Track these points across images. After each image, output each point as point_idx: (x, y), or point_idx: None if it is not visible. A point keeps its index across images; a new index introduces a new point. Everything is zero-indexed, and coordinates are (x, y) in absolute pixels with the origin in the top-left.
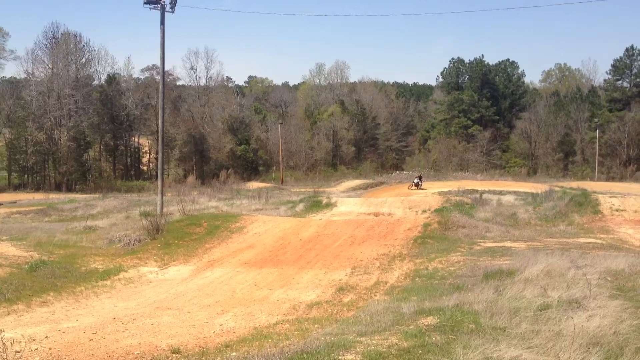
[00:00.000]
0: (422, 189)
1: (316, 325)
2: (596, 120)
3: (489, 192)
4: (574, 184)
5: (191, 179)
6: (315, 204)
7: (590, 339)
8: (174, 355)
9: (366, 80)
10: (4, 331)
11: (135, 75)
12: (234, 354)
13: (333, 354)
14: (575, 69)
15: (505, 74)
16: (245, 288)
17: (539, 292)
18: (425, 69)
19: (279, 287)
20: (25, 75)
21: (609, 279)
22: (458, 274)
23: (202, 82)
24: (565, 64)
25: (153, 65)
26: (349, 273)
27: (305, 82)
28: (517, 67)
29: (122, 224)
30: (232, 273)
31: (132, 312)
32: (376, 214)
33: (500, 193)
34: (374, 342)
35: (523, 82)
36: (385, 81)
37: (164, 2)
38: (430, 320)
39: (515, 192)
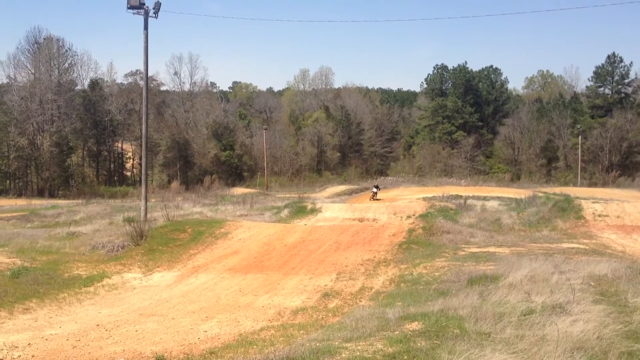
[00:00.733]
0: (377, 199)
1: (301, 331)
2: (578, 126)
3: (473, 197)
4: (557, 189)
5: (175, 184)
6: (300, 210)
7: (574, 343)
8: None
9: (350, 86)
10: None
11: (118, 81)
12: None
13: None
14: (557, 75)
15: (488, 80)
16: (230, 294)
17: (523, 297)
18: (409, 75)
19: (264, 293)
20: (7, 80)
21: (592, 284)
22: (443, 280)
23: (186, 87)
24: (547, 71)
25: (136, 70)
26: (334, 279)
27: (290, 88)
28: (501, 74)
29: (106, 230)
30: (216, 279)
31: (115, 319)
32: (361, 220)
33: (484, 199)
34: (359, 347)
35: (506, 89)
36: (370, 87)
37: (148, 7)
38: (415, 325)
39: (499, 198)
